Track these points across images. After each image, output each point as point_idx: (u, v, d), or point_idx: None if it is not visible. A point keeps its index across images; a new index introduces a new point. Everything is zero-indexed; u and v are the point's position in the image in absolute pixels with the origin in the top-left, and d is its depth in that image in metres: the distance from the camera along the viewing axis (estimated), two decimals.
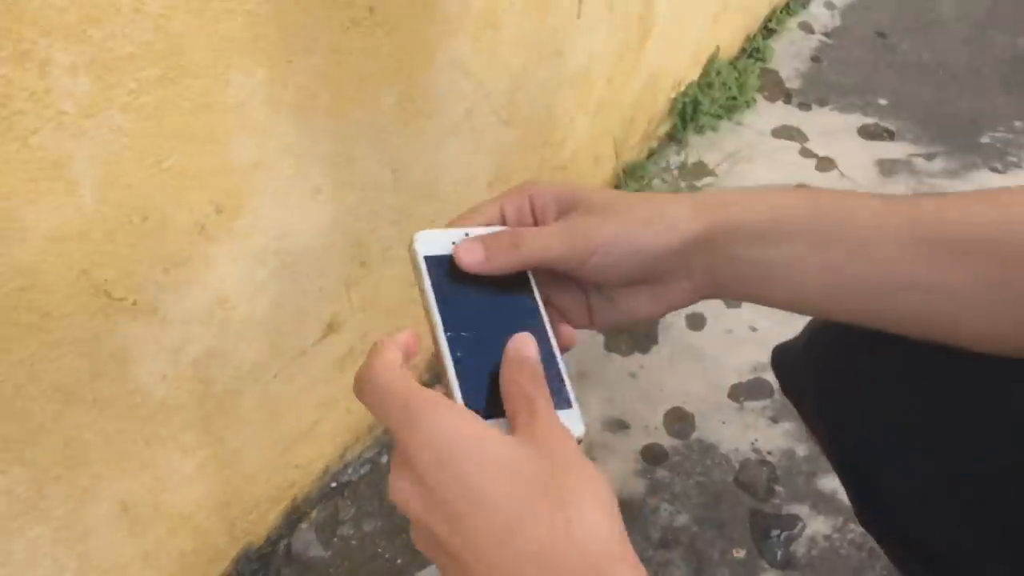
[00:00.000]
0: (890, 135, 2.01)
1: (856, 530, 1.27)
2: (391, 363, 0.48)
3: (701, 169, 1.89)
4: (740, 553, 1.26)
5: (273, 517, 1.19)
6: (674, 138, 1.92)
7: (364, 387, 0.48)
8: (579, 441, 0.50)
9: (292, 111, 0.88)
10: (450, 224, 0.56)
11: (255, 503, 1.14)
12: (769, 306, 0.59)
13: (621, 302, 0.58)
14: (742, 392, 1.46)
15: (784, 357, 0.76)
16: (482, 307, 0.52)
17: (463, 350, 0.50)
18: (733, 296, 0.57)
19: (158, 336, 0.86)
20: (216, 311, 0.91)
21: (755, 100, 2.07)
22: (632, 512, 1.29)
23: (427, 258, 0.52)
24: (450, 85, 1.12)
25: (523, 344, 0.50)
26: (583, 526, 0.42)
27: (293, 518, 1.23)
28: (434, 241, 0.53)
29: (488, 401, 0.49)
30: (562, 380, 0.52)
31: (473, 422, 0.46)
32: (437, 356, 0.50)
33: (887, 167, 1.93)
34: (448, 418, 0.45)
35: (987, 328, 0.53)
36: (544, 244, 0.53)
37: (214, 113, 0.79)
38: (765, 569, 1.24)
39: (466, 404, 0.48)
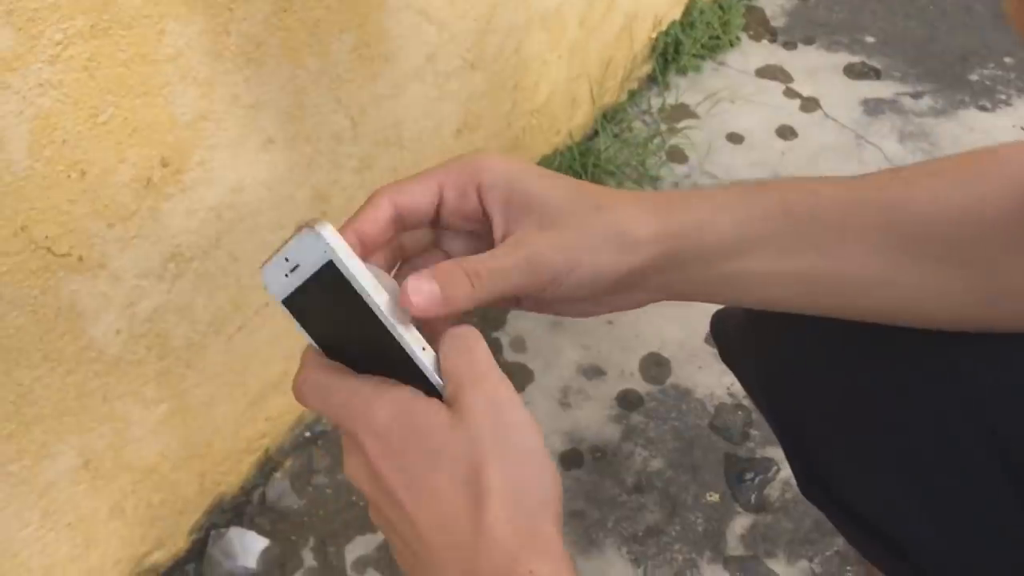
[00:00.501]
0: (876, 74, 1.97)
1: None
2: (321, 362, 0.49)
3: (682, 111, 1.86)
4: (714, 497, 1.26)
5: (246, 468, 1.20)
6: (655, 80, 1.89)
7: (304, 392, 0.48)
8: None
9: (237, 60, 0.86)
10: (372, 199, 0.50)
11: (226, 454, 1.14)
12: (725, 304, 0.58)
13: (558, 305, 0.53)
14: None
15: (724, 325, 0.74)
16: (345, 331, 0.49)
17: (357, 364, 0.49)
18: (689, 300, 0.54)
19: (108, 291, 0.85)
20: (170, 265, 0.91)
21: (739, 39, 2.03)
22: (607, 457, 1.30)
23: (285, 301, 0.49)
24: (409, 28, 1.09)
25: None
26: (496, 526, 0.42)
27: (267, 468, 1.24)
28: (275, 277, 0.48)
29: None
30: (421, 374, 0.49)
31: (419, 405, 0.45)
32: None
33: (872, 106, 1.90)
34: (393, 404, 0.45)
35: (960, 312, 0.53)
36: (502, 279, 0.48)
37: (151, 64, 0.77)
38: (739, 512, 1.24)
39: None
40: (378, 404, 0.45)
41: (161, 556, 1.11)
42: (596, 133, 1.73)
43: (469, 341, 0.47)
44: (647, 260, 0.50)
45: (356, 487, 0.47)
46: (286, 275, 0.48)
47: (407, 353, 0.48)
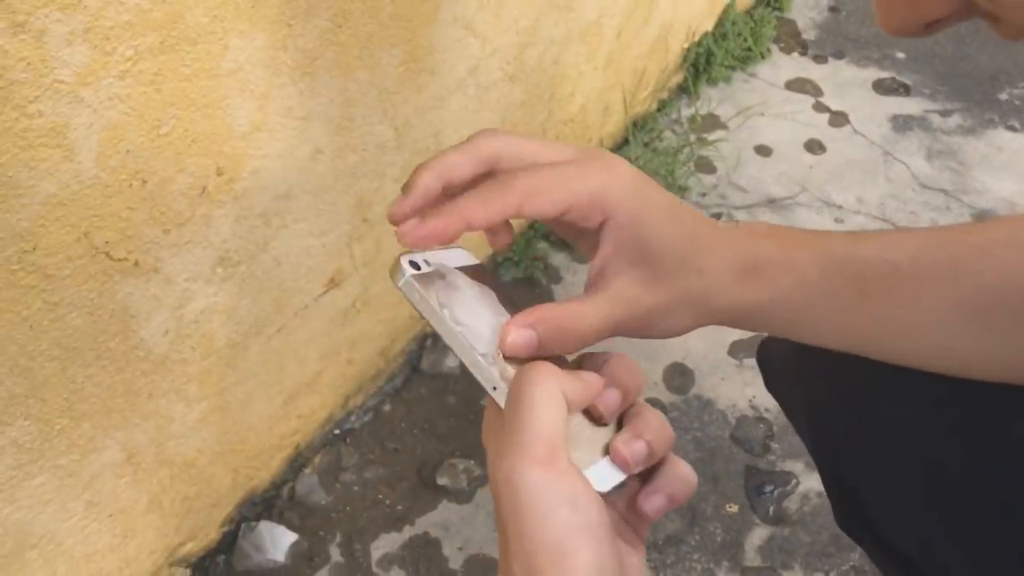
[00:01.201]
0: (906, 90, 1.99)
1: None
2: (558, 396, 0.46)
3: (712, 122, 1.88)
4: (733, 508, 1.28)
5: (276, 463, 1.22)
6: (685, 90, 1.91)
7: (523, 388, 0.46)
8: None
9: (293, 74, 0.89)
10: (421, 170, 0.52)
11: (258, 451, 1.17)
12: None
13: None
14: (742, 349, 1.47)
15: (771, 352, 0.76)
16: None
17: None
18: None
19: (160, 294, 0.87)
20: (218, 269, 0.93)
21: (770, 51, 2.04)
22: None
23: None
24: (455, 42, 1.11)
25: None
26: None
27: (296, 464, 1.27)
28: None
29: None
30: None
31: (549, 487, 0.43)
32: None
33: (901, 123, 1.91)
34: (532, 476, 0.43)
35: (1016, 373, 0.55)
36: (596, 334, 0.51)
37: (212, 78, 0.79)
38: (757, 524, 1.26)
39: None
40: (526, 468, 0.44)
41: (193, 547, 1.14)
42: (627, 142, 1.75)
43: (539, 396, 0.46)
44: (713, 320, 0.54)
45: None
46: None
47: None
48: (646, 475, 0.49)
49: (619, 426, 0.50)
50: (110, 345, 0.85)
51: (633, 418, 0.49)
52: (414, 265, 0.49)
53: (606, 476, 0.47)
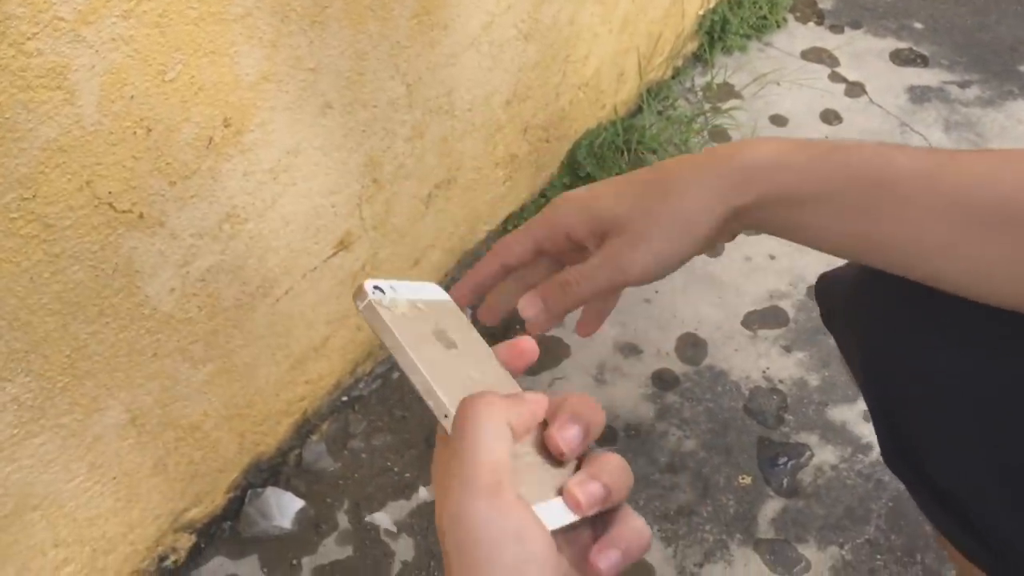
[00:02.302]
0: (924, 61, 1.95)
1: (864, 460, 1.27)
2: (499, 419, 0.44)
3: (727, 91, 1.84)
4: (746, 480, 1.26)
5: (284, 429, 1.20)
6: (700, 58, 1.87)
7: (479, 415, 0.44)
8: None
9: (302, 22, 0.86)
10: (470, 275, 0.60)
11: (265, 416, 1.15)
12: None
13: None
14: (756, 320, 1.45)
15: (830, 288, 0.75)
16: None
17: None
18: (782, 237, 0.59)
19: (165, 250, 0.85)
20: (225, 226, 0.91)
21: (786, 20, 2.00)
22: (640, 436, 1.30)
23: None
24: None
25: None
26: None
27: (304, 431, 1.25)
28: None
29: None
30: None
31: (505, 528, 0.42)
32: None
33: (918, 93, 1.87)
34: (478, 509, 0.42)
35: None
36: (590, 284, 0.57)
37: (220, 23, 0.77)
38: (770, 496, 1.24)
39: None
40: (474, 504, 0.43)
41: (198, 513, 1.12)
42: (640, 109, 1.71)
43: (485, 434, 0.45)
44: (717, 225, 0.56)
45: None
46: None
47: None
48: (600, 527, 0.47)
49: (578, 467, 0.47)
50: (114, 301, 0.83)
51: (592, 460, 0.47)
52: (379, 290, 0.48)
53: (557, 515, 0.44)
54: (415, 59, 1.03)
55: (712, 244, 0.58)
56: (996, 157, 0.53)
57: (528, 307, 0.57)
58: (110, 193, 0.76)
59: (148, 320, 0.88)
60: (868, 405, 0.71)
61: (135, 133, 0.75)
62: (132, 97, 0.73)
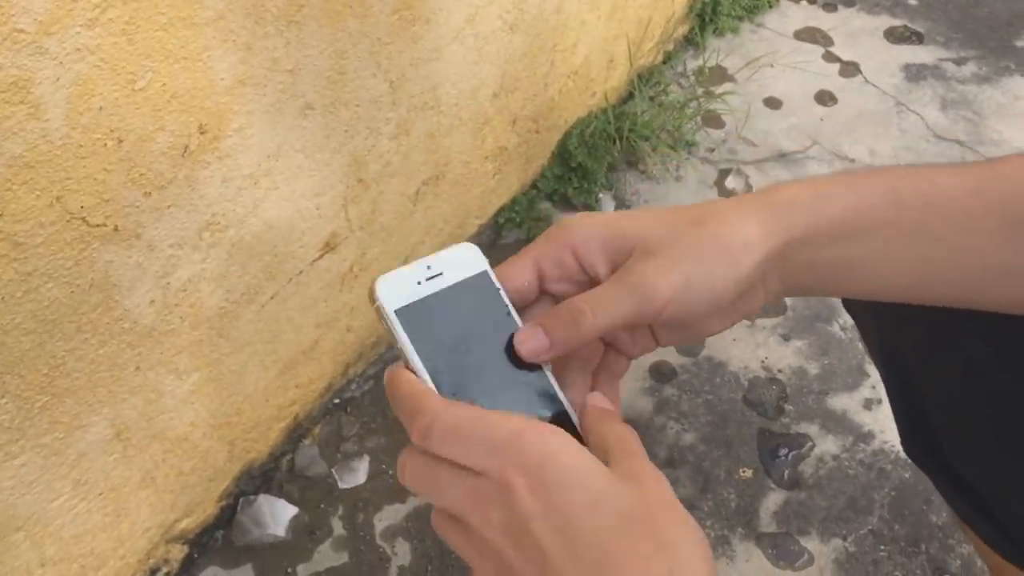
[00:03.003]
0: (919, 38, 1.92)
1: (866, 449, 1.26)
2: (446, 401, 0.44)
3: (719, 74, 1.81)
4: (747, 472, 1.24)
5: (275, 435, 1.18)
6: (691, 41, 1.84)
7: (434, 430, 0.42)
8: None
9: (277, 23, 0.83)
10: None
11: (255, 422, 1.13)
12: (848, 297, 0.55)
13: (692, 327, 0.52)
14: None
15: None
16: (470, 349, 0.47)
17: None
18: (808, 294, 0.53)
19: (143, 262, 0.82)
20: (205, 234, 0.88)
21: (778, 0, 1.97)
22: (639, 430, 1.27)
23: (399, 311, 0.46)
24: None
25: (599, 398, 0.48)
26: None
27: (296, 435, 1.23)
28: (397, 285, 0.47)
29: None
30: (563, 411, 0.48)
31: (577, 448, 0.41)
32: None
33: (914, 72, 1.84)
34: (549, 441, 0.40)
35: None
36: (609, 310, 0.47)
37: (191, 28, 0.74)
38: (772, 489, 1.22)
39: None
40: (530, 438, 0.40)
41: (190, 523, 1.10)
42: (632, 96, 1.69)
43: (616, 418, 0.46)
44: (759, 261, 0.48)
45: (488, 543, 0.41)
46: (419, 283, 0.47)
47: (545, 381, 0.48)
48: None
49: None
50: (91, 317, 0.80)
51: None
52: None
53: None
54: (397, 55, 1.01)
55: (752, 292, 0.50)
56: None
57: (528, 340, 0.47)
58: (82, 207, 0.73)
59: (128, 334, 0.85)
60: (887, 390, 0.70)
61: (106, 145, 0.72)
62: (101, 108, 0.70)
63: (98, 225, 0.76)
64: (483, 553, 0.41)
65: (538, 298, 0.51)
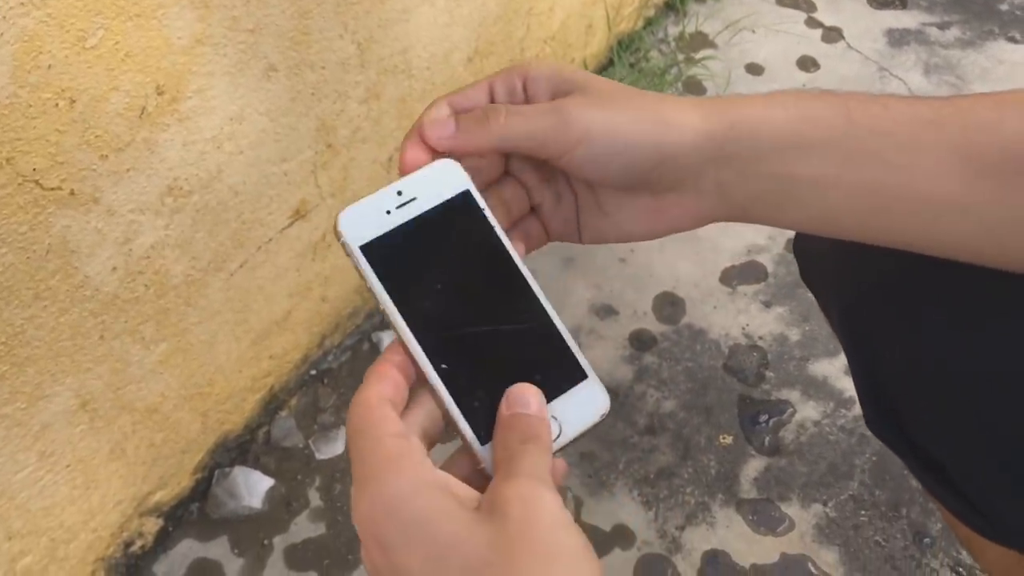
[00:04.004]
0: (902, 3, 1.90)
1: (847, 415, 1.25)
2: (372, 400, 0.41)
3: (701, 40, 1.79)
4: (727, 439, 1.24)
5: (250, 406, 1.17)
6: (672, 6, 1.82)
7: (347, 422, 0.42)
8: (603, 417, 0.45)
9: None
10: (432, 104, 0.47)
11: (229, 393, 1.11)
12: (788, 228, 0.52)
13: (614, 213, 0.50)
14: (735, 276, 1.41)
15: (807, 244, 0.71)
16: (455, 290, 0.43)
17: (446, 358, 0.42)
18: (746, 219, 0.50)
19: (102, 227, 0.81)
20: (167, 200, 0.86)
21: None
22: (619, 398, 1.27)
23: (364, 247, 0.42)
24: None
25: (516, 396, 0.43)
26: None
27: (271, 407, 1.21)
28: (364, 218, 0.43)
29: (489, 425, 0.43)
30: (566, 351, 0.45)
31: (434, 492, 0.38)
32: (415, 369, 0.43)
33: (897, 37, 1.83)
34: (400, 486, 0.38)
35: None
36: (523, 121, 0.45)
37: None
38: (752, 455, 1.22)
39: (471, 428, 0.43)
40: (384, 480, 0.38)
41: (164, 496, 1.08)
42: (611, 62, 1.66)
43: (522, 426, 0.42)
44: (693, 142, 0.46)
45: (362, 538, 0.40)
46: (388, 212, 0.43)
47: (533, 298, 0.44)
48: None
49: None
50: (50, 283, 0.79)
51: None
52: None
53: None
54: (364, 16, 0.98)
55: (682, 190, 0.48)
56: (993, 101, 0.47)
57: (436, 125, 0.45)
58: (35, 170, 0.71)
59: (90, 302, 0.84)
60: (849, 363, 0.69)
61: (57, 105, 0.70)
62: (50, 66, 0.68)
63: (53, 188, 0.74)
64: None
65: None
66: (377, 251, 0.42)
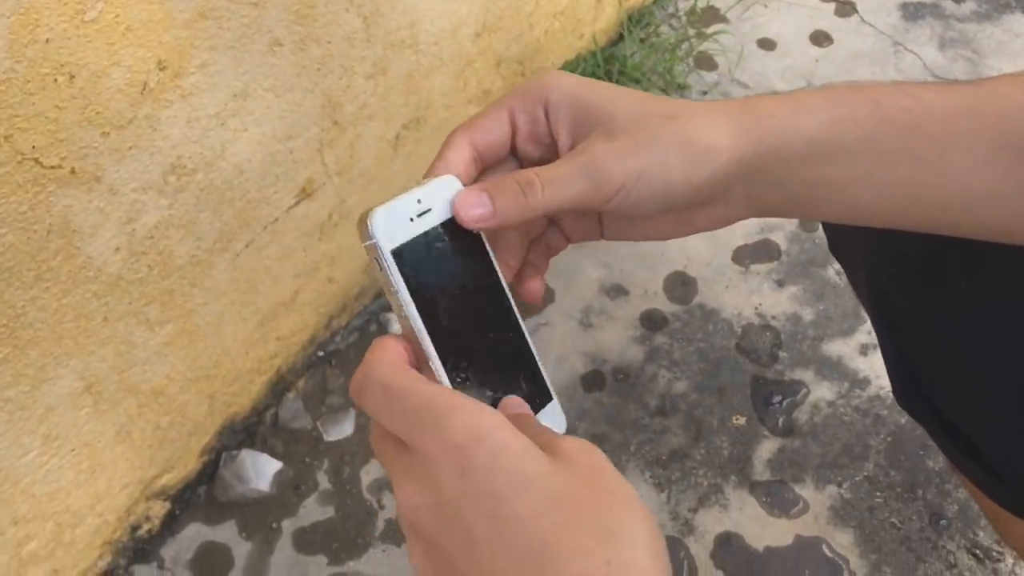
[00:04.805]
0: None
1: (861, 395, 1.23)
2: (398, 361, 0.41)
3: (712, 15, 1.76)
4: (740, 420, 1.22)
5: (257, 388, 1.15)
6: None
7: (366, 388, 0.40)
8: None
9: None
10: (449, 141, 0.47)
11: (236, 375, 1.10)
12: (819, 220, 0.51)
13: (641, 225, 0.50)
14: (747, 255, 1.39)
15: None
16: (457, 299, 0.45)
17: (456, 361, 0.43)
18: (776, 215, 0.49)
19: (104, 207, 0.79)
20: (170, 178, 0.84)
21: None
22: (630, 379, 1.25)
23: (395, 252, 0.43)
24: None
25: (515, 406, 0.45)
26: (626, 570, 0.35)
27: (279, 389, 1.20)
28: (391, 223, 0.43)
29: None
30: (537, 372, 0.47)
31: (509, 429, 0.38)
32: (424, 365, 0.43)
33: (911, 10, 1.79)
34: (481, 421, 0.38)
35: None
36: (559, 192, 0.44)
37: None
38: (766, 436, 1.20)
39: None
40: (466, 418, 0.38)
41: (171, 479, 1.07)
42: (621, 37, 1.64)
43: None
44: (724, 169, 0.45)
45: (409, 521, 0.39)
46: (412, 219, 0.43)
47: (516, 323, 0.47)
48: None
49: None
50: (52, 264, 0.77)
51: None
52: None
53: None
54: None
55: (712, 203, 0.48)
56: (1022, 81, 0.46)
57: (472, 204, 0.44)
58: (34, 148, 0.69)
59: (93, 283, 0.82)
60: (878, 337, 0.68)
61: (56, 80, 0.68)
62: (48, 40, 0.66)
63: (53, 167, 0.72)
64: (415, 530, 0.39)
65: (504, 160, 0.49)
66: (403, 257, 0.43)
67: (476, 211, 0.44)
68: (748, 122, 0.45)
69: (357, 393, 0.41)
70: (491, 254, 0.47)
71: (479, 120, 0.47)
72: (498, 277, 0.47)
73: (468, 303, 0.45)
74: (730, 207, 0.48)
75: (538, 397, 0.46)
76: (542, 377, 0.47)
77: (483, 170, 0.49)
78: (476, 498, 0.36)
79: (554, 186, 0.44)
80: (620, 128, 0.45)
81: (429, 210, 0.44)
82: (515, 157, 0.50)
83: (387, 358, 0.41)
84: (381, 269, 0.42)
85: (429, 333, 0.42)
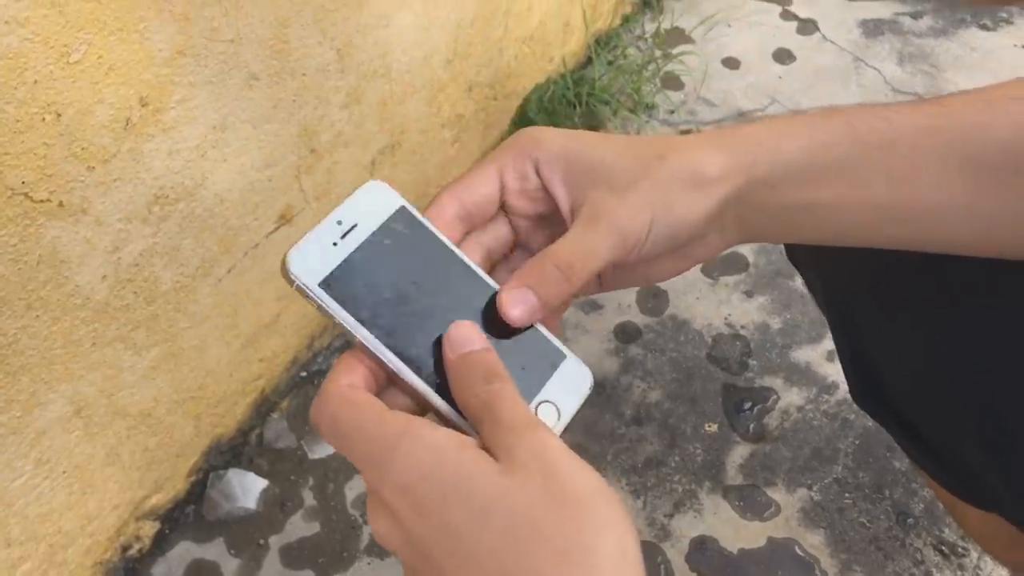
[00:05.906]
0: None
1: (829, 400, 1.27)
2: (351, 388, 0.41)
3: (677, 35, 1.81)
4: (712, 427, 1.26)
5: (242, 409, 1.19)
6: (649, 3, 1.84)
7: (320, 422, 0.40)
8: (591, 388, 0.45)
9: None
10: (435, 200, 0.47)
11: (221, 397, 1.13)
12: (800, 243, 0.54)
13: (643, 269, 0.51)
14: (716, 267, 1.44)
15: None
16: (415, 298, 0.44)
17: (422, 361, 0.42)
18: (763, 240, 0.52)
19: (91, 237, 0.82)
20: (154, 208, 0.88)
21: None
22: (606, 390, 1.29)
23: (323, 284, 0.41)
24: None
25: (457, 336, 0.43)
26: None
27: (263, 409, 1.23)
28: (312, 256, 0.42)
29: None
30: (538, 336, 0.46)
31: (456, 451, 0.38)
32: (384, 372, 0.43)
33: (871, 27, 1.85)
34: (425, 453, 0.37)
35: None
36: (595, 260, 0.45)
37: None
38: (738, 442, 1.24)
39: (453, 409, 0.42)
40: (404, 450, 0.37)
41: (160, 499, 1.10)
42: (590, 60, 1.69)
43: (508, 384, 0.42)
44: (723, 199, 0.47)
45: (388, 548, 0.39)
46: (335, 243, 0.43)
47: (485, 288, 0.45)
48: None
49: None
50: (41, 293, 0.80)
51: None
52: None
53: None
54: (343, 22, 1.00)
55: (707, 236, 0.49)
56: (984, 100, 0.49)
57: (518, 303, 0.44)
58: (23, 183, 0.73)
59: (82, 310, 0.85)
60: (834, 340, 0.71)
61: (44, 119, 0.72)
62: (36, 82, 0.70)
63: (42, 200, 0.75)
64: (399, 556, 0.40)
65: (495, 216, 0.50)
66: (335, 285, 0.42)
67: (522, 308, 0.44)
68: (738, 151, 0.47)
69: (314, 427, 0.41)
70: (443, 238, 0.46)
71: (466, 179, 0.48)
72: (460, 258, 0.46)
73: (429, 297, 0.44)
74: (725, 235, 0.50)
75: (548, 361, 0.45)
76: (545, 339, 0.46)
77: (471, 228, 0.49)
78: (436, 536, 0.36)
79: (589, 258, 0.45)
80: (623, 180, 0.46)
81: (355, 225, 0.43)
82: (503, 211, 0.50)
83: (340, 386, 0.41)
84: (318, 307, 0.42)
85: (390, 347, 0.42)
